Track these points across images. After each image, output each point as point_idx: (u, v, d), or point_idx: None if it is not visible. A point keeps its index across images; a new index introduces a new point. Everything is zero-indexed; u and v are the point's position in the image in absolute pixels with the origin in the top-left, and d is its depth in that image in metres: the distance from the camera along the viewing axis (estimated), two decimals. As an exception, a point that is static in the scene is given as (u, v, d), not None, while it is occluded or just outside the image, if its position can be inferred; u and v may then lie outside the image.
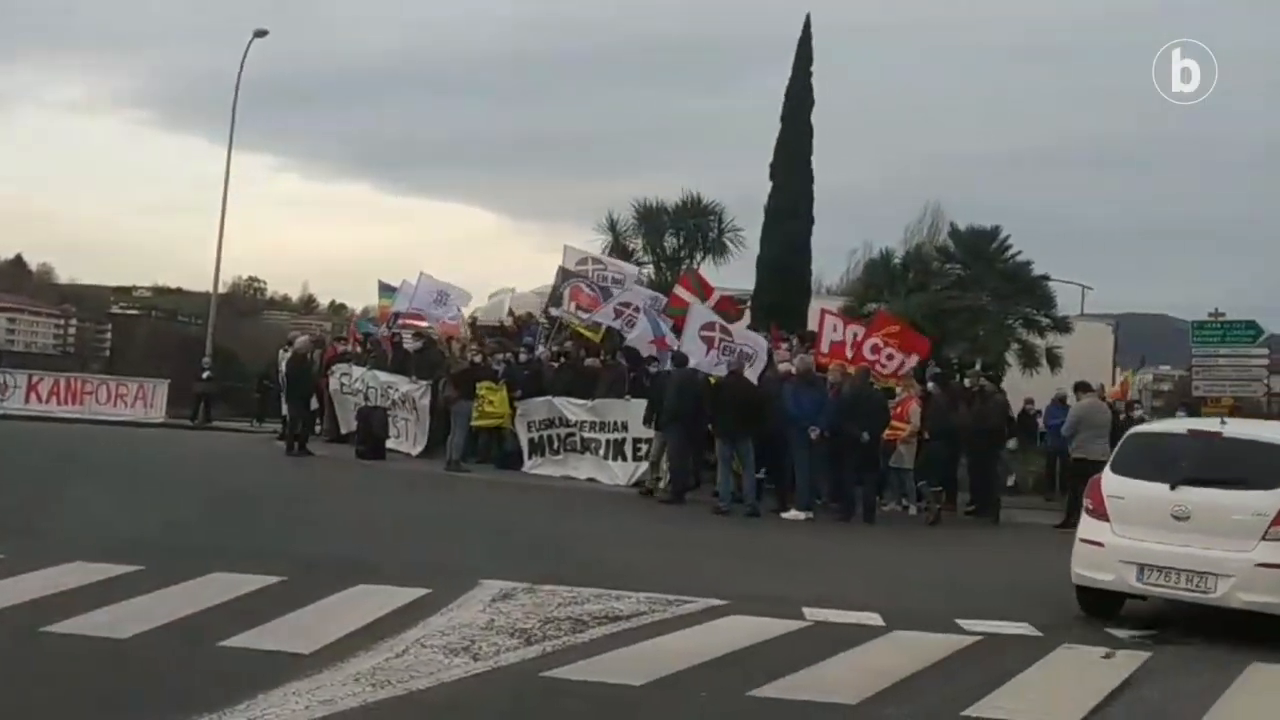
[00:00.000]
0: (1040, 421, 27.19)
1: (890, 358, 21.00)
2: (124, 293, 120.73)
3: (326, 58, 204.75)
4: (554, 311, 25.61)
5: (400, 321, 26.89)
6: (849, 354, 21.14)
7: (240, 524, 14.29)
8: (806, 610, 10.30)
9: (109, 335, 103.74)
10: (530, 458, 22.22)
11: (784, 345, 22.92)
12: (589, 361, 22.75)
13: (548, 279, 27.31)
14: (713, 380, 19.87)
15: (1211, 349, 27.41)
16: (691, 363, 20.12)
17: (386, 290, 28.64)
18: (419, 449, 23.85)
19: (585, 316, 24.18)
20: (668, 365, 20.52)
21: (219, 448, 25.31)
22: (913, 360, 21.32)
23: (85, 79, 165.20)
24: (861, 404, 18.89)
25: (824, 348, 21.72)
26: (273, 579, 10.16)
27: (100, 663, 7.67)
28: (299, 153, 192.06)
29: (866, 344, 21.20)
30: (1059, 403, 24.05)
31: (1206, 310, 28.48)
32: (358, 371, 25.31)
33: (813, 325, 24.33)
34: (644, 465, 20.48)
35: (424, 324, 26.11)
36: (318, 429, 25.80)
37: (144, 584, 9.68)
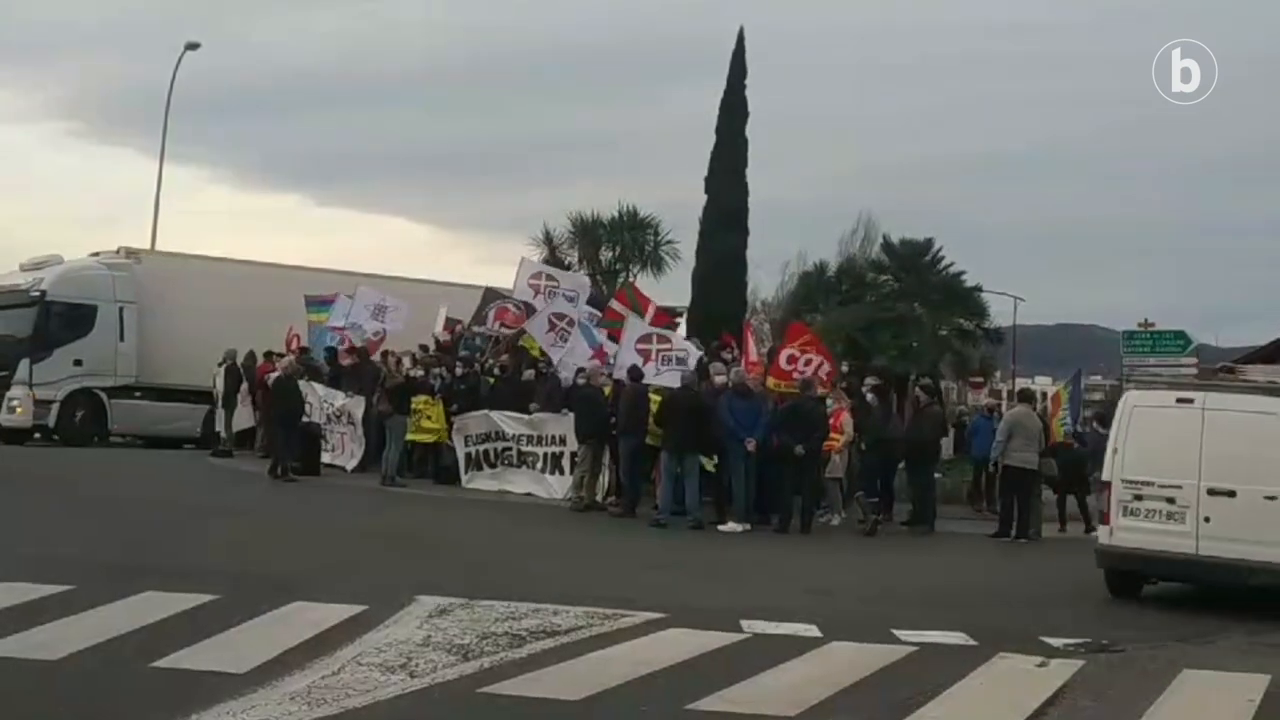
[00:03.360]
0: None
1: (808, 363, 20.94)
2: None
3: (257, 71, 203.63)
4: (477, 329, 25.56)
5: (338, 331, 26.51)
6: (764, 366, 21.63)
7: (172, 542, 14.07)
8: (744, 622, 10.32)
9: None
10: (467, 472, 22.11)
11: (727, 353, 22.90)
12: (526, 374, 22.68)
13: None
14: (657, 394, 19.82)
15: (1141, 359, 27.85)
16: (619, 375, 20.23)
17: (316, 305, 27.89)
18: (355, 463, 23.65)
19: (515, 330, 24.29)
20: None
21: (151, 464, 24.96)
22: (828, 363, 21.31)
23: (16, 88, 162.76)
24: (799, 416, 18.92)
25: (753, 356, 22.10)
26: (206, 597, 10.04)
27: (31, 685, 7.55)
28: (230, 164, 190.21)
29: (782, 356, 21.28)
30: (986, 413, 23.99)
31: (1136, 320, 29.02)
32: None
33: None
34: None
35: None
36: (256, 445, 25.44)
37: (75, 604, 9.53)
